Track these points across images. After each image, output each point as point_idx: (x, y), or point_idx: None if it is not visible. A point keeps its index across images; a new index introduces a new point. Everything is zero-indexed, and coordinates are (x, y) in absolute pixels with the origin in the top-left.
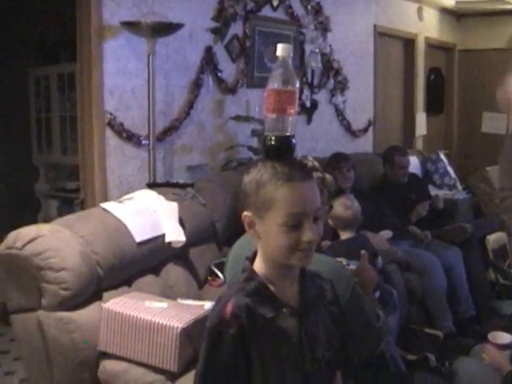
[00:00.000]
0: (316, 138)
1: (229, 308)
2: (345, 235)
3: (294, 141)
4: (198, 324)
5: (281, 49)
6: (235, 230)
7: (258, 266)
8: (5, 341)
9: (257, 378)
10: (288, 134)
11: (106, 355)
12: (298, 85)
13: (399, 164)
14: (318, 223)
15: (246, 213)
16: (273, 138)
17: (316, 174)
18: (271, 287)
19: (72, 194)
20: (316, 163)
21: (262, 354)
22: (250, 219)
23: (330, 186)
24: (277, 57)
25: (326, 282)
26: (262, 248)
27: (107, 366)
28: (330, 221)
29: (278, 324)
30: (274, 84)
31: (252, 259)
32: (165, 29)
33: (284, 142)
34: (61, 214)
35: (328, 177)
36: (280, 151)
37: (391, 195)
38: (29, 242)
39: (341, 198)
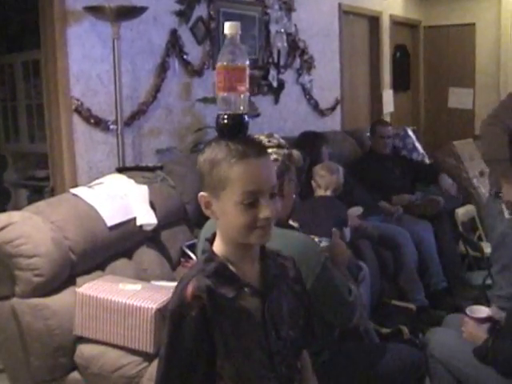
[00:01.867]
0: (284, 118)
1: (189, 290)
2: (323, 193)
3: (246, 118)
4: None
5: (228, 27)
6: None
7: (218, 246)
8: None
9: (221, 359)
10: (240, 111)
11: (82, 339)
12: (247, 62)
13: (379, 133)
14: (275, 199)
15: (202, 193)
16: (225, 117)
17: (282, 151)
18: (231, 267)
19: (42, 183)
20: (282, 140)
21: (226, 335)
22: (207, 199)
23: (298, 162)
24: (225, 35)
25: (288, 260)
26: (220, 228)
27: (83, 350)
28: (312, 182)
29: (241, 304)
30: (223, 62)
31: (212, 240)
32: (129, 12)
33: (237, 120)
34: (31, 203)
35: (295, 152)
36: (233, 129)
37: (376, 167)
38: (0, 229)
39: (328, 163)
